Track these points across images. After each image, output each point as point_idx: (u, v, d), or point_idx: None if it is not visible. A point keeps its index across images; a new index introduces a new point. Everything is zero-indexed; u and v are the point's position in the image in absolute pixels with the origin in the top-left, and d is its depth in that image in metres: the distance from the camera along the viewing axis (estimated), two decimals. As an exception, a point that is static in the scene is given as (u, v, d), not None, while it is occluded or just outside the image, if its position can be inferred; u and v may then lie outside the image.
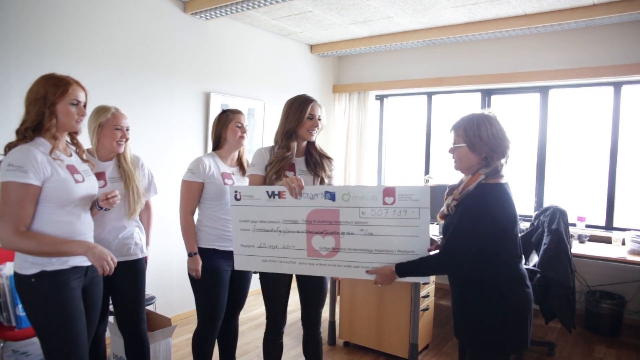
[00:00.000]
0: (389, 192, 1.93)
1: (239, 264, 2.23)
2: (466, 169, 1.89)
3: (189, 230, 2.45)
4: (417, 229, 1.91)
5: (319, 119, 2.32)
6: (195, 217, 2.54)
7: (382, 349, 3.39)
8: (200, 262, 2.42)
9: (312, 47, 5.45)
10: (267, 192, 2.10)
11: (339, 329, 3.63)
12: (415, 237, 1.91)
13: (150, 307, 3.24)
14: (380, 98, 5.81)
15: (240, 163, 2.62)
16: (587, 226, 4.31)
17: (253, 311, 4.36)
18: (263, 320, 4.21)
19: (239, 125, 2.52)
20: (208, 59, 4.24)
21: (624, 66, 4.06)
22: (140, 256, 2.42)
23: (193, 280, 2.47)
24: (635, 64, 4.01)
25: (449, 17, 4.24)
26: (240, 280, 2.58)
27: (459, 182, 1.92)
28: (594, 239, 4.20)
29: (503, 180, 1.85)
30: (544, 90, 4.67)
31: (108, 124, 2.28)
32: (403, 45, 4.93)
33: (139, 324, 2.39)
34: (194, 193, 2.45)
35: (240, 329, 3.88)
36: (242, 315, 4.20)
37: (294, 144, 2.30)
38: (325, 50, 5.37)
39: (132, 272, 2.36)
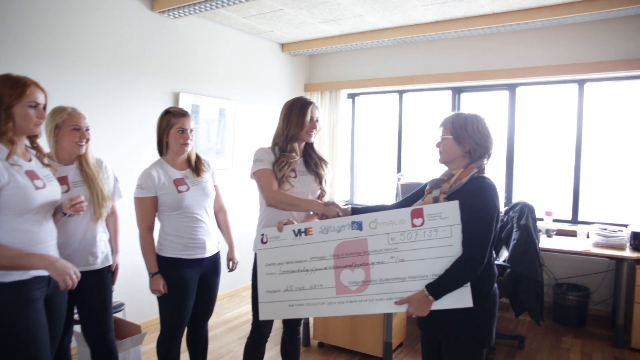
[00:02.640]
0: (416, 213, 1.83)
1: (264, 313, 2.08)
2: (450, 161, 1.93)
3: (148, 249, 2.35)
4: (451, 248, 1.77)
5: (317, 121, 2.32)
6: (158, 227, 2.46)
7: (356, 349, 3.40)
8: (162, 282, 2.33)
9: (283, 46, 5.40)
10: (294, 230, 2.02)
11: (313, 329, 3.61)
12: (451, 258, 1.77)
13: (119, 314, 3.16)
14: (352, 96, 5.81)
15: (190, 164, 2.47)
16: (554, 220, 4.42)
17: (226, 314, 4.31)
18: (236, 323, 4.22)
19: (181, 130, 2.35)
20: (177, 58, 4.15)
21: (587, 64, 4.17)
22: (107, 264, 2.35)
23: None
24: (598, 62, 4.12)
25: (419, 16, 4.27)
26: (209, 288, 2.52)
27: (447, 175, 1.94)
28: (560, 232, 4.31)
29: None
30: (512, 88, 4.76)
31: (65, 124, 2.18)
32: (374, 43, 4.95)
33: (106, 334, 2.32)
34: (148, 209, 2.34)
35: (213, 332, 3.85)
36: (215, 319, 4.16)
37: (297, 147, 2.30)
38: (296, 49, 5.34)
39: (98, 281, 2.29)
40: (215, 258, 2.53)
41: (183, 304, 2.38)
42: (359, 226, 1.91)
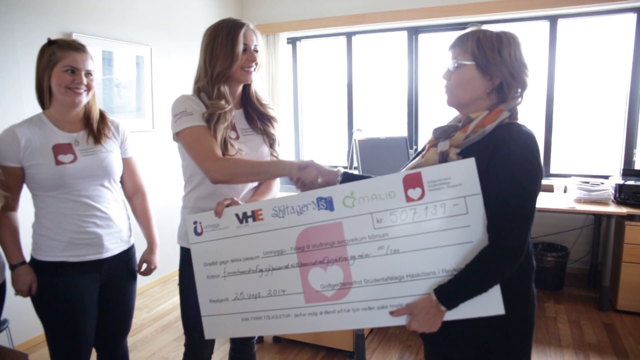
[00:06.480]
0: (411, 180, 1.23)
1: (211, 331, 1.49)
2: (467, 102, 1.29)
3: (4, 232, 1.62)
4: (467, 231, 1.20)
5: (256, 51, 1.54)
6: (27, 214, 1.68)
7: (321, 343, 2.81)
8: (31, 276, 1.62)
9: (206, -21, 4.46)
10: (237, 215, 1.41)
11: (267, 323, 2.98)
12: (468, 245, 1.21)
13: (1, 337, 2.33)
14: (293, 41, 5.00)
15: (89, 125, 1.69)
16: (526, 175, 4.01)
17: (157, 308, 3.56)
18: (171, 319, 3.44)
19: (70, 70, 1.56)
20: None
21: (560, -3, 3.67)
22: None
23: (39, 308, 1.66)
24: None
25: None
26: (118, 299, 1.80)
27: (462, 121, 1.31)
28: (534, 188, 3.90)
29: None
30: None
31: None
32: (317, -26, 4.16)
33: None
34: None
35: (142, 334, 3.12)
36: (145, 315, 3.41)
37: (227, 91, 1.54)
38: (223, -17, 4.42)
39: None
40: (126, 257, 1.81)
41: (77, 326, 1.66)
42: (328, 204, 1.31)
